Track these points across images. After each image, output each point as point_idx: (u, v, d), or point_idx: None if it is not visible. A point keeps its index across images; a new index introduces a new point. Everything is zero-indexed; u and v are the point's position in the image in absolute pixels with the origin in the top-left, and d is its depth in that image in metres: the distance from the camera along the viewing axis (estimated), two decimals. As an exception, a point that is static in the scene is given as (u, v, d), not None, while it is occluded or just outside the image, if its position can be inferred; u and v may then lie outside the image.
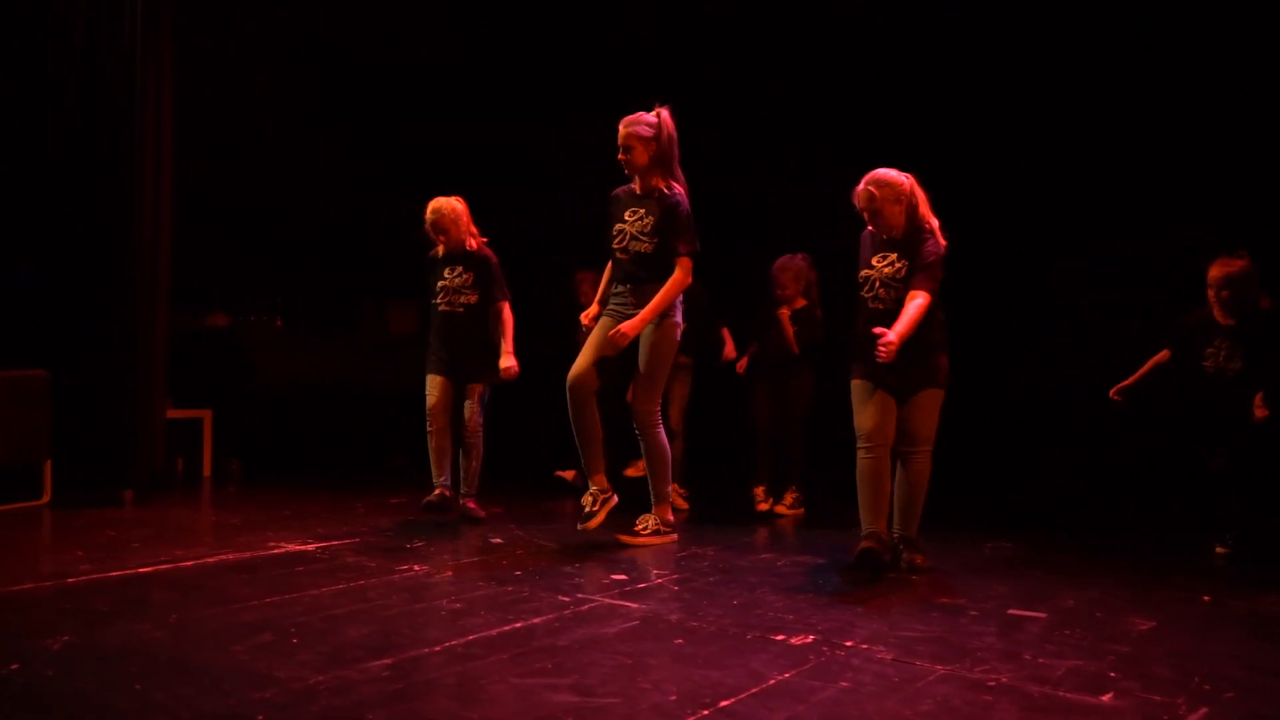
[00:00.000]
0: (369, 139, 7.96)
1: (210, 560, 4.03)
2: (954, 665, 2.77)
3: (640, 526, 4.55)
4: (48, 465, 5.54)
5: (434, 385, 5.16)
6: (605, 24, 7.64)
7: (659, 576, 3.86)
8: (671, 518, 4.66)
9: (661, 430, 4.57)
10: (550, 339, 6.27)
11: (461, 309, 5.12)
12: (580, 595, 3.49)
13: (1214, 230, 5.31)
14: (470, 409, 5.13)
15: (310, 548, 4.33)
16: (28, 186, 5.69)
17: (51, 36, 5.59)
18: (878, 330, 3.74)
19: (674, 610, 3.31)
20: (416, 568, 3.93)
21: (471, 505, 5.17)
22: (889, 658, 2.81)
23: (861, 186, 3.97)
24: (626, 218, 4.48)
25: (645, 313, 4.36)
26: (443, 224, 5.06)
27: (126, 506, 5.38)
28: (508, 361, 5.06)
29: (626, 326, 4.35)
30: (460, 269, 5.12)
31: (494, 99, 7.99)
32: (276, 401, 7.21)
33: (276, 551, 4.23)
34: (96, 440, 5.64)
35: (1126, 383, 4.78)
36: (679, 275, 4.38)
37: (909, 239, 3.97)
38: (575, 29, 7.78)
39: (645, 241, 4.41)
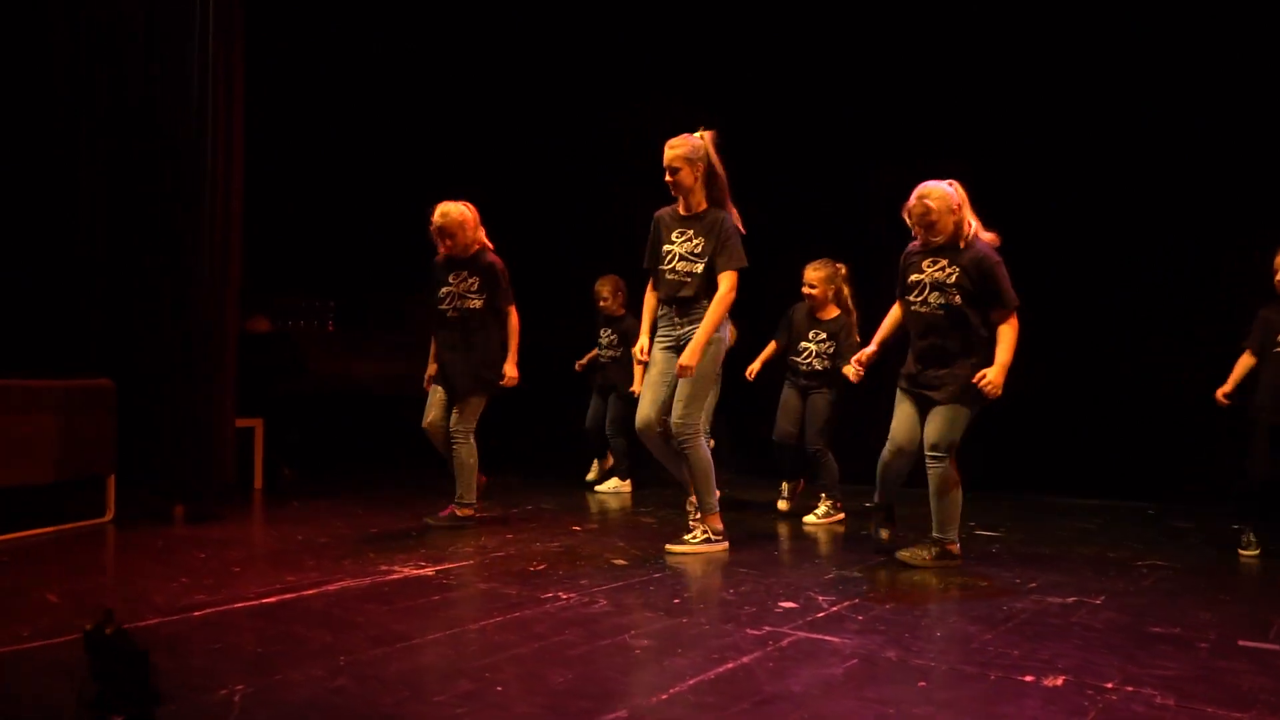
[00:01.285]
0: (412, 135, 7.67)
1: (331, 588, 3.69)
2: (1250, 712, 2.49)
3: (689, 536, 4.51)
4: (111, 480, 5.18)
5: (432, 402, 5.13)
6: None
7: (826, 602, 3.56)
8: (721, 527, 4.54)
9: (703, 442, 4.44)
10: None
11: (468, 314, 5.01)
12: (767, 628, 3.19)
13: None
14: (455, 417, 5.05)
15: (429, 572, 4.00)
16: (85, 184, 5.33)
17: (126, 37, 5.26)
18: (977, 379, 3.99)
19: (883, 645, 3.01)
20: (563, 595, 3.61)
21: (444, 511, 5.10)
22: (1170, 703, 2.53)
23: (915, 201, 4.05)
24: (674, 239, 4.41)
25: (700, 337, 4.29)
26: (449, 228, 4.94)
27: (202, 523, 5.04)
28: (511, 370, 5.09)
29: (686, 359, 4.27)
30: (465, 274, 5.01)
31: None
32: (328, 407, 6.88)
33: (395, 577, 3.90)
34: (160, 452, 5.28)
35: (1228, 387, 4.71)
36: (725, 292, 4.31)
37: (955, 244, 4.07)
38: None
39: (695, 262, 4.34)
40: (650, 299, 4.58)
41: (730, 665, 2.78)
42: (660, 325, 4.50)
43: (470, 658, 2.82)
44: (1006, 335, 4.02)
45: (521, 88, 8.09)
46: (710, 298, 4.33)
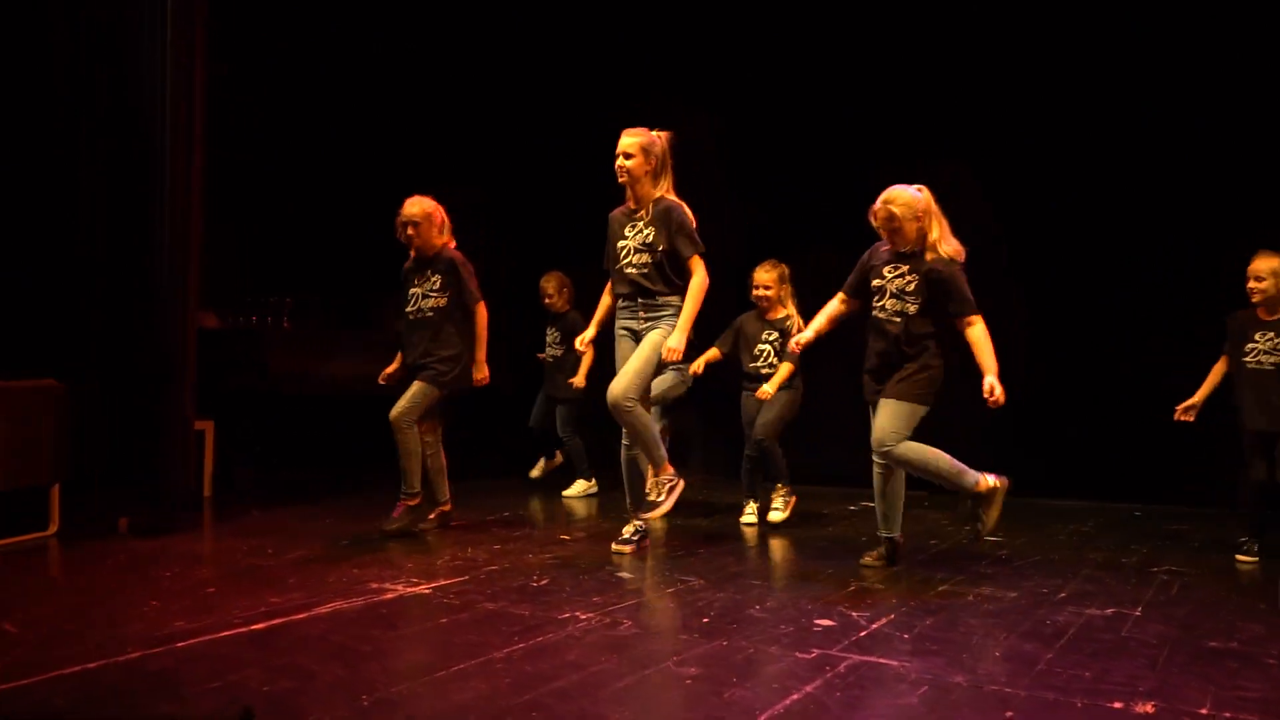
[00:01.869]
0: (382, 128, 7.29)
1: (322, 610, 3.37)
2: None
3: (652, 496, 4.33)
4: (55, 490, 4.75)
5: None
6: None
7: (863, 619, 3.35)
8: (672, 470, 4.38)
9: (640, 407, 4.29)
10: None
11: (430, 313, 4.79)
12: (816, 650, 2.96)
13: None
14: (401, 405, 4.76)
15: (425, 590, 3.69)
16: (38, 179, 4.89)
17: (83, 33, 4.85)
18: (986, 392, 3.92)
19: (946, 668, 2.81)
20: (581, 615, 3.34)
21: (396, 511, 4.87)
22: (1276, 732, 2.37)
23: (879, 205, 4.00)
24: (626, 234, 4.36)
25: (684, 322, 4.24)
26: (414, 217, 4.78)
27: (155, 535, 4.63)
28: (480, 371, 4.92)
29: (674, 343, 4.20)
30: (428, 271, 4.82)
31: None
32: (281, 407, 6.48)
33: (389, 596, 3.58)
34: (112, 458, 4.87)
35: (1194, 400, 4.65)
36: (700, 278, 4.28)
37: (919, 253, 4.01)
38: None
39: (648, 252, 4.30)
40: (605, 299, 4.55)
41: (796, 696, 2.55)
42: (620, 317, 4.43)
43: (510, 693, 2.54)
44: (984, 342, 3.97)
45: (514, 85, 7.78)
46: (669, 286, 4.29)
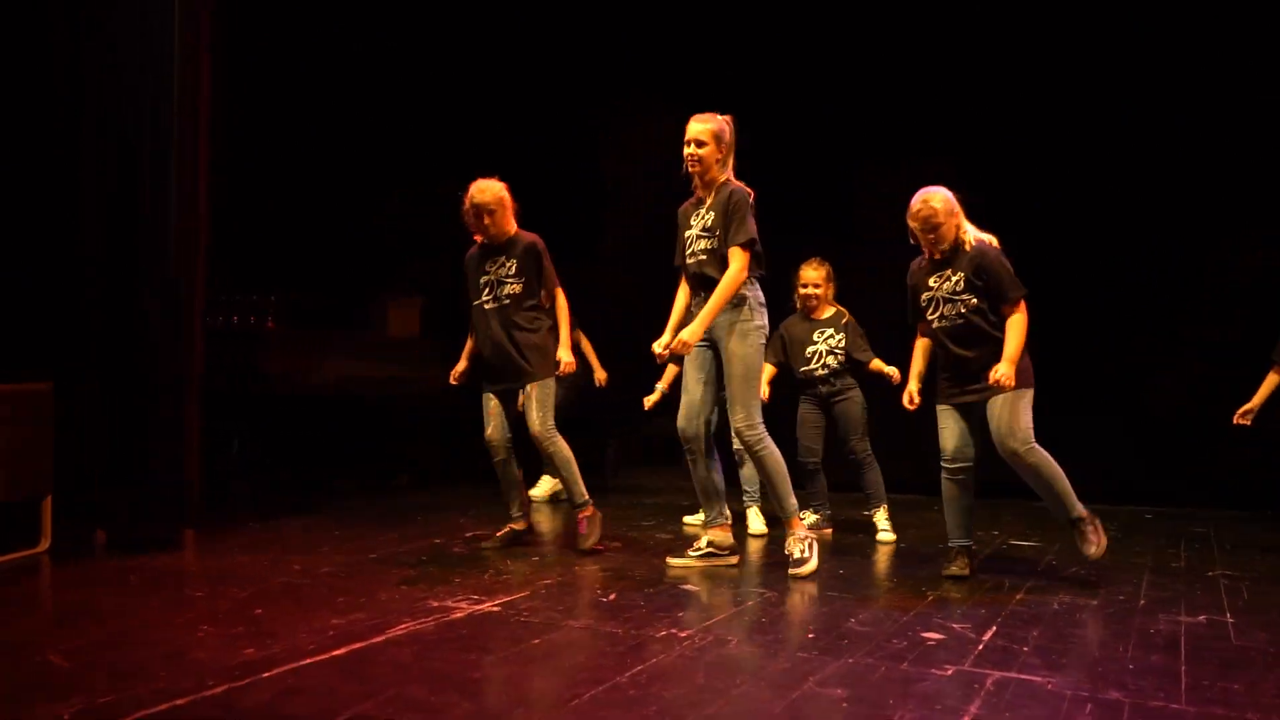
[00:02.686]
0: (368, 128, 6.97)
1: (396, 631, 3.10)
2: None
3: (799, 553, 4.06)
4: (48, 503, 4.36)
5: (490, 410, 4.56)
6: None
7: (968, 630, 3.22)
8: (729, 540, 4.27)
9: (770, 441, 4.09)
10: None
11: (507, 301, 4.49)
12: (950, 668, 2.82)
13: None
14: (531, 415, 4.46)
15: (492, 607, 3.45)
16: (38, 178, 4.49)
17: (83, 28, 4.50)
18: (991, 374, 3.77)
19: (1093, 684, 2.68)
20: (680, 633, 3.13)
21: (581, 520, 4.55)
22: None
23: (919, 204, 3.89)
24: (692, 223, 4.16)
25: (704, 316, 3.98)
26: (489, 205, 4.42)
27: (148, 551, 4.29)
28: (564, 355, 4.56)
29: (687, 335, 3.96)
30: (501, 259, 4.50)
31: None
32: (280, 411, 6.13)
33: (459, 615, 3.33)
34: (111, 466, 4.50)
35: (1251, 405, 4.66)
36: (734, 269, 3.98)
37: (957, 252, 3.94)
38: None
39: (709, 238, 4.07)
40: (680, 298, 4.29)
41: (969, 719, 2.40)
42: (692, 318, 4.11)
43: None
44: (1015, 326, 3.86)
45: (493, 83, 7.51)
46: None
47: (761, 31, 6.97)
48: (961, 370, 3.96)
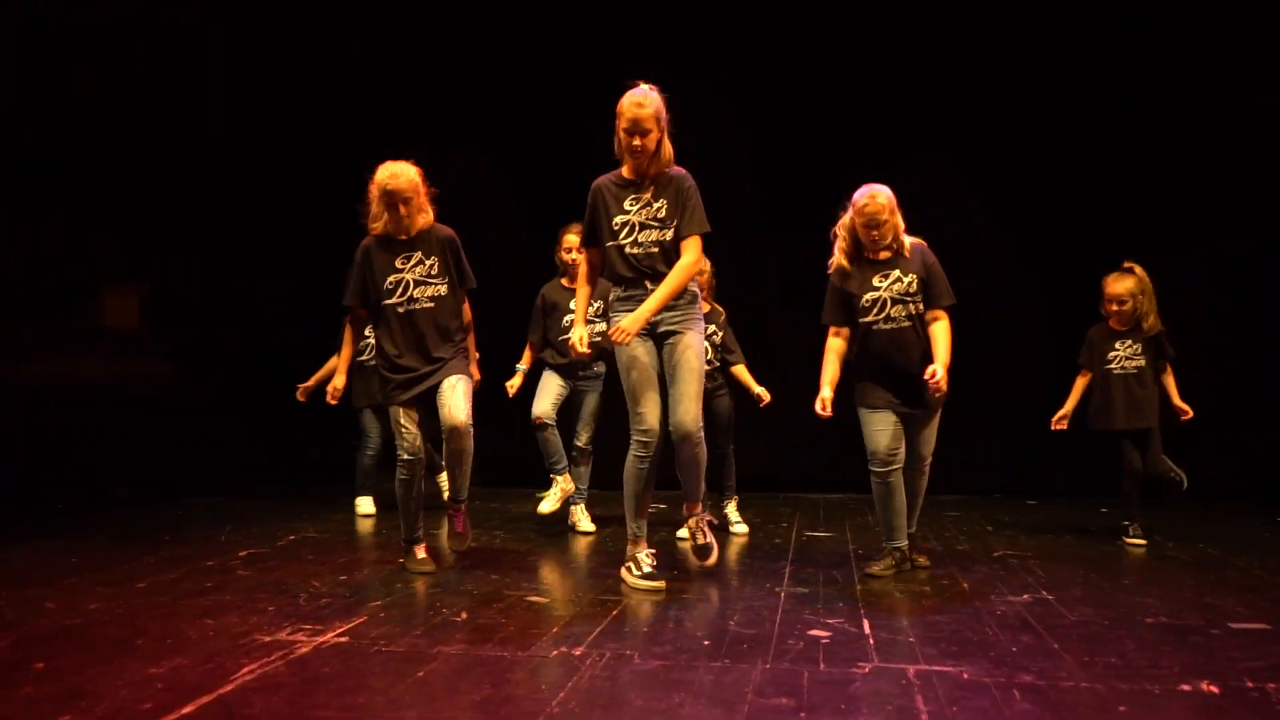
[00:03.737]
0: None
1: (243, 678, 2.61)
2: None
3: (700, 540, 3.97)
4: None
5: (408, 420, 3.97)
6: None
7: (851, 625, 3.22)
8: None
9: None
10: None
11: (430, 304, 3.98)
12: (865, 665, 2.78)
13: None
14: (458, 404, 3.92)
15: (338, 638, 3.02)
16: None
17: None
18: (928, 376, 3.76)
19: (1006, 672, 2.74)
20: (574, 651, 2.88)
21: (459, 519, 4.21)
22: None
23: (867, 200, 3.87)
24: (627, 207, 3.79)
25: (653, 305, 3.66)
26: (404, 192, 3.89)
27: None
28: (474, 370, 4.21)
29: (627, 323, 3.64)
30: (419, 255, 3.98)
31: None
32: None
33: (303, 650, 2.89)
34: None
35: (1064, 410, 5.03)
36: (690, 258, 3.72)
37: (898, 252, 3.95)
38: None
39: (662, 229, 3.77)
40: (585, 286, 3.96)
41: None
42: (618, 305, 3.83)
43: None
44: (947, 333, 3.90)
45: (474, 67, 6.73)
46: None
47: (761, 30, 6.81)
48: (900, 377, 3.93)
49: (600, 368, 5.01)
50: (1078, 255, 6.25)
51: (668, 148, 3.77)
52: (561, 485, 4.95)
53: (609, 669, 2.71)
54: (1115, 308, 4.91)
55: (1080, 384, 5.05)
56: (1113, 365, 4.94)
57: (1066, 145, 6.66)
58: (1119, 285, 4.89)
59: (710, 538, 3.99)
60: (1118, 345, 4.95)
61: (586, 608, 3.46)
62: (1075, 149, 6.66)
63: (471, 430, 3.97)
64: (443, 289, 3.98)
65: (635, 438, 3.77)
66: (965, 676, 2.68)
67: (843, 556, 4.50)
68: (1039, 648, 2.99)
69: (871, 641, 3.03)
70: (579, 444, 5.02)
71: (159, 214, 6.21)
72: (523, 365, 5.05)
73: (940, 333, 3.91)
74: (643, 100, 3.69)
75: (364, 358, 5.53)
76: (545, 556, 4.51)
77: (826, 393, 3.97)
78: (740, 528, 5.09)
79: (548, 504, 4.94)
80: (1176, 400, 4.95)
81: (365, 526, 5.35)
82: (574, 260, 4.88)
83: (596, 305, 4.78)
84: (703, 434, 3.80)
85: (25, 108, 5.68)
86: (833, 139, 6.66)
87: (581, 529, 5.02)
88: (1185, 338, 6.20)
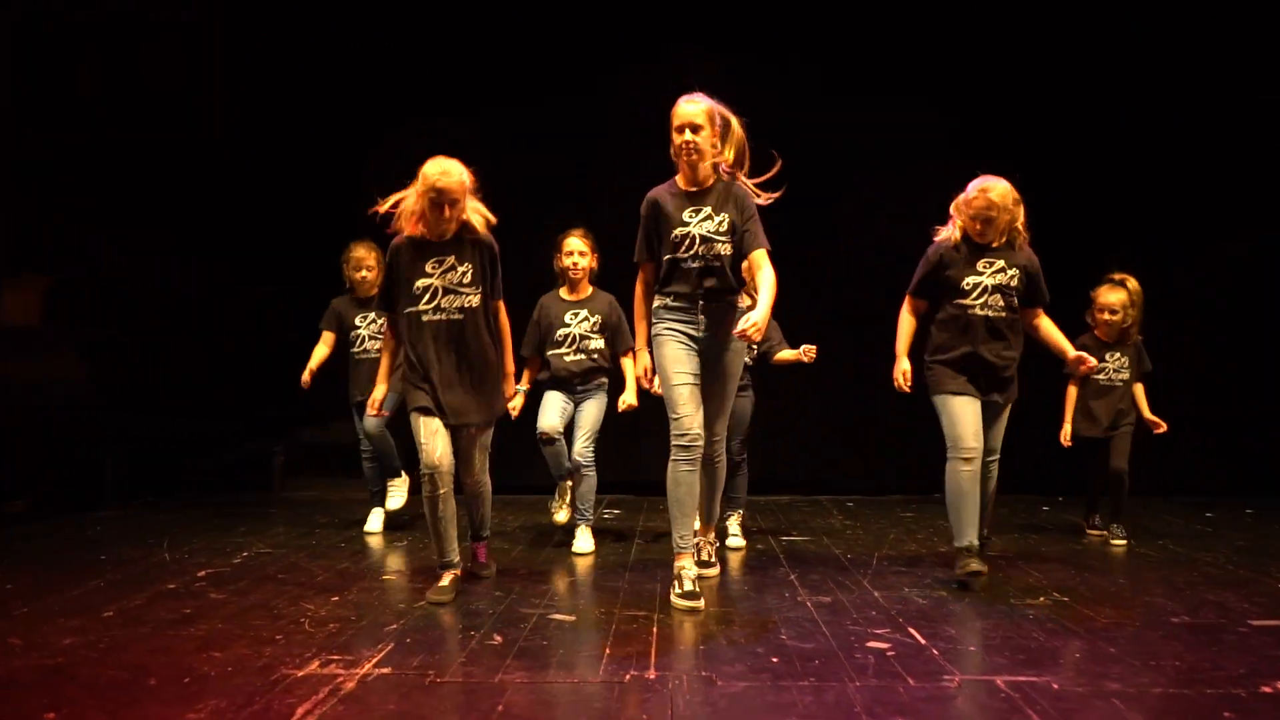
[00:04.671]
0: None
1: (303, 716, 2.33)
2: None
3: (705, 555, 4.01)
4: None
5: (431, 433, 3.61)
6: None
7: (900, 635, 3.15)
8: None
9: None
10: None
11: (460, 315, 3.64)
12: (955, 677, 2.70)
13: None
14: (475, 458, 3.77)
15: (377, 669, 2.75)
16: None
17: None
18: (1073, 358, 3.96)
19: (1072, 679, 2.72)
20: (648, 674, 2.69)
21: (481, 550, 4.06)
22: None
23: (976, 194, 3.87)
24: (686, 218, 3.63)
25: (765, 309, 3.45)
26: (452, 193, 3.53)
27: None
28: (511, 388, 3.93)
29: (758, 318, 3.38)
30: (452, 259, 3.63)
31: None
32: None
33: (348, 685, 2.61)
34: None
35: (1067, 426, 5.04)
36: (771, 272, 3.57)
37: (1009, 246, 3.95)
38: None
39: (722, 242, 3.63)
40: (643, 304, 3.79)
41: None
42: (669, 322, 3.68)
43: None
44: (1055, 329, 4.05)
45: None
46: (739, 284, 3.74)
47: (761, 30, 6.59)
48: (985, 365, 3.91)
49: (601, 380, 4.69)
50: (1077, 255, 6.09)
51: (727, 156, 3.64)
52: (567, 493, 4.72)
53: (698, 693, 2.55)
54: (1106, 316, 4.99)
55: (1072, 394, 5.08)
56: (1101, 377, 4.99)
57: (1065, 145, 6.66)
58: (1112, 295, 4.98)
59: (714, 558, 4.00)
60: (1108, 357, 5.00)
61: (622, 625, 3.27)
62: (1074, 149, 6.68)
63: (487, 477, 3.86)
64: (474, 299, 3.64)
65: (676, 443, 3.62)
66: (1055, 687, 2.64)
67: (832, 559, 4.44)
68: (1098, 653, 2.98)
69: (935, 652, 2.96)
70: (577, 457, 4.58)
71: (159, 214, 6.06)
72: (523, 385, 4.64)
73: (1052, 326, 4.05)
74: (694, 98, 3.60)
75: (354, 349, 5.15)
76: (539, 566, 4.29)
77: (906, 364, 3.99)
78: (736, 541, 4.75)
79: (565, 513, 4.70)
80: (1148, 414, 5.05)
81: (323, 540, 4.94)
82: (576, 267, 4.64)
83: (595, 320, 4.64)
84: (724, 454, 3.79)
85: (25, 108, 5.44)
86: (832, 139, 6.58)
87: (576, 550, 4.60)
88: (1185, 337, 6.58)
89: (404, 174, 3.63)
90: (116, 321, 6.17)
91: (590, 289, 4.73)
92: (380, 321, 5.00)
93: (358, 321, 5.09)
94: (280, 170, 6.60)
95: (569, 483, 4.69)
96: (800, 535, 5.14)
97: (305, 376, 5.00)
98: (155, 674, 2.68)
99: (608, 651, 2.94)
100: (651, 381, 3.85)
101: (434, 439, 3.57)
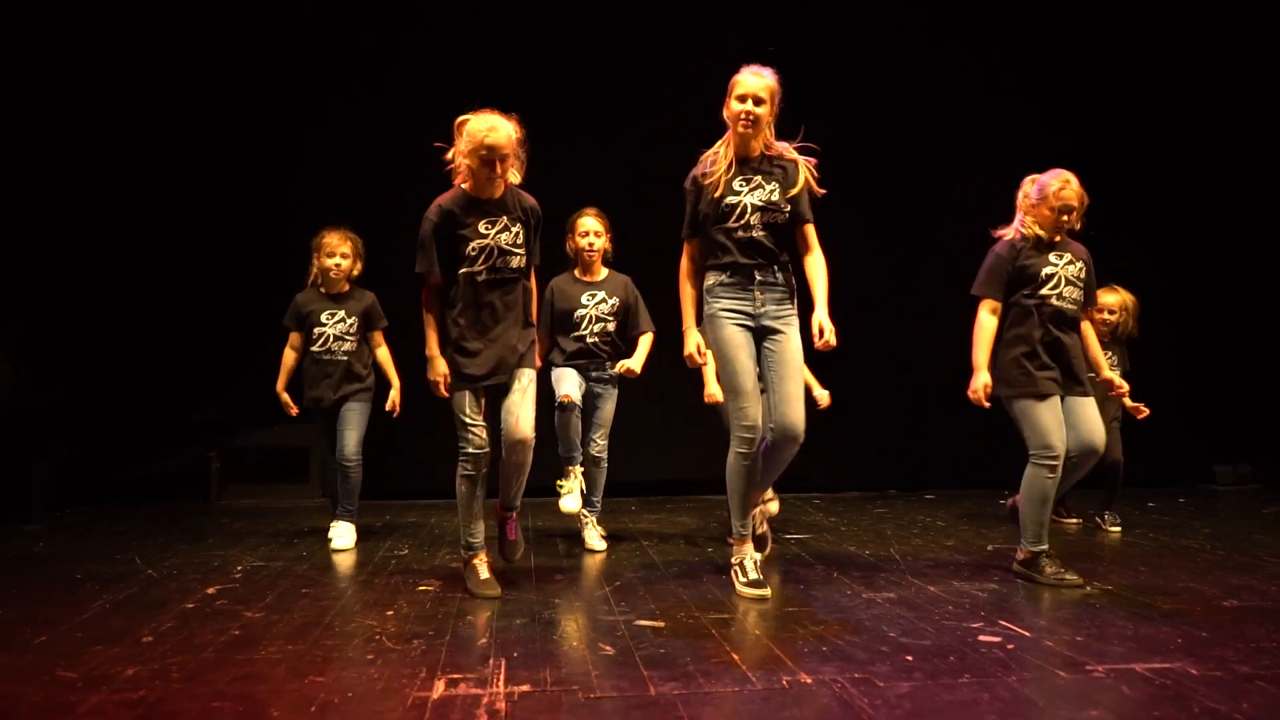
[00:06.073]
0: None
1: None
2: None
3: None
4: None
5: (474, 411, 3.50)
6: None
7: (1017, 629, 3.14)
8: None
9: None
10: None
11: (514, 275, 3.52)
12: (1098, 665, 2.70)
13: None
14: (523, 411, 3.52)
15: (469, 689, 2.52)
16: None
17: None
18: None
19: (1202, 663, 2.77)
20: (751, 684, 2.58)
21: (511, 525, 3.82)
22: None
23: (1077, 190, 3.88)
24: (737, 187, 3.59)
25: (825, 301, 3.59)
26: (503, 149, 3.40)
27: None
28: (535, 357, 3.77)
29: (823, 320, 3.53)
30: (504, 220, 3.49)
31: None
32: None
33: (499, 705, 2.39)
34: None
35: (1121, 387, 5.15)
36: (820, 251, 3.68)
37: (1067, 243, 3.99)
38: None
39: (776, 213, 3.59)
40: (690, 280, 3.68)
41: None
42: (724, 295, 3.60)
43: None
44: (1095, 339, 4.15)
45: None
46: (786, 259, 3.66)
47: (760, 30, 6.26)
48: (1066, 357, 3.87)
49: (617, 369, 4.50)
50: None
51: (772, 134, 3.63)
52: (577, 476, 4.49)
53: (872, 695, 2.46)
54: (1105, 316, 5.17)
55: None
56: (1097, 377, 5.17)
57: (1066, 145, 6.61)
58: (1110, 296, 5.19)
59: (767, 529, 3.93)
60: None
61: (716, 630, 3.14)
62: (1075, 149, 6.55)
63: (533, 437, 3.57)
64: (522, 260, 3.53)
65: (737, 433, 3.56)
66: (1194, 672, 2.67)
67: (857, 556, 4.42)
68: (1199, 639, 3.01)
69: (1051, 644, 2.96)
70: (593, 451, 4.52)
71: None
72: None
73: (1093, 335, 4.13)
74: (761, 71, 3.59)
75: (316, 348, 4.73)
76: (567, 567, 4.11)
77: (987, 377, 3.88)
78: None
79: (572, 500, 4.42)
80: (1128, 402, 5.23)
81: (313, 551, 4.55)
82: (591, 248, 4.50)
83: (613, 303, 4.51)
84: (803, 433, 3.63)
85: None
86: (832, 145, 6.61)
87: (590, 546, 4.50)
88: (1185, 337, 6.84)
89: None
90: (41, 321, 5.59)
91: (605, 270, 4.62)
92: (351, 320, 4.73)
93: (324, 319, 4.72)
94: (210, 157, 6.14)
95: (578, 468, 4.52)
96: (801, 534, 5.10)
97: (284, 396, 4.71)
98: (271, 704, 2.39)
99: (733, 656, 2.81)
100: (705, 359, 3.70)
101: (479, 418, 3.51)
